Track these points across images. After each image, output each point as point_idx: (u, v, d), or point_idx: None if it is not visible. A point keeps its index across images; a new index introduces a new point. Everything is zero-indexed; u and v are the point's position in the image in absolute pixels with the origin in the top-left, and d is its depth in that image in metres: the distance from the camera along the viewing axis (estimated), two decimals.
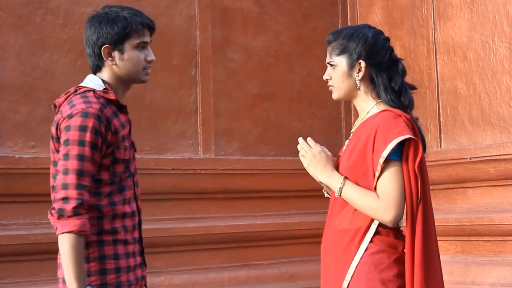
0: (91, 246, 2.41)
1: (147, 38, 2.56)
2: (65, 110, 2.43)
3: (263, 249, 4.94)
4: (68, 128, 2.37)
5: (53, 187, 2.49)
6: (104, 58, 2.52)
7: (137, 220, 2.56)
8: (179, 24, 4.69)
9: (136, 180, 2.58)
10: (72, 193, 2.33)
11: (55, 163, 2.47)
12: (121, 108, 2.54)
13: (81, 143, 2.35)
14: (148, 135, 4.54)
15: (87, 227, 2.34)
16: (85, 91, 2.47)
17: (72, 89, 2.52)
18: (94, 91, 2.47)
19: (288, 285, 4.95)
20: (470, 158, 4.56)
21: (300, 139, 2.65)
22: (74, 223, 2.32)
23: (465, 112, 4.71)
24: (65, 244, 2.32)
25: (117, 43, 2.50)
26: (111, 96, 2.48)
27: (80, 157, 2.35)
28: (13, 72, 4.12)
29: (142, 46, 2.54)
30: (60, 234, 2.33)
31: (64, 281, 2.43)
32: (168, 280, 4.51)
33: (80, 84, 2.53)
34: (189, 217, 4.67)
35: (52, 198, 2.42)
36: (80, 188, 2.33)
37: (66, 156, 2.36)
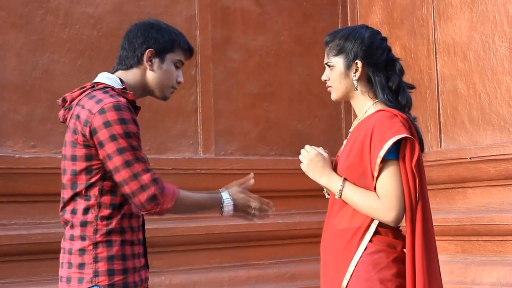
0: (100, 246, 2.41)
1: (185, 61, 2.65)
2: (91, 105, 2.41)
3: (263, 249, 4.95)
4: (108, 124, 2.37)
5: (64, 184, 2.48)
6: (145, 60, 2.55)
7: (141, 221, 2.56)
8: (179, 24, 4.69)
9: None
10: (146, 177, 2.37)
11: (74, 158, 2.45)
12: (135, 109, 2.55)
13: (127, 135, 2.38)
14: (148, 135, 4.54)
15: (176, 188, 2.45)
16: (104, 87, 2.48)
17: (88, 85, 2.52)
18: (112, 88, 2.48)
19: (288, 285, 4.95)
20: (470, 158, 4.57)
21: (302, 149, 2.65)
22: (170, 197, 2.41)
23: (465, 112, 4.72)
24: (182, 209, 2.50)
25: (162, 52, 2.57)
26: (129, 96, 2.50)
27: (133, 148, 2.38)
28: (13, 72, 4.13)
29: (179, 65, 2.62)
30: (168, 211, 2.42)
31: (68, 280, 2.43)
32: (168, 280, 4.51)
33: (95, 81, 2.53)
34: (189, 217, 4.66)
35: (126, 192, 2.42)
36: (148, 171, 2.39)
37: (120, 150, 2.37)
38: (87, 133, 2.40)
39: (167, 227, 4.51)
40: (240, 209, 2.58)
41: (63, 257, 2.47)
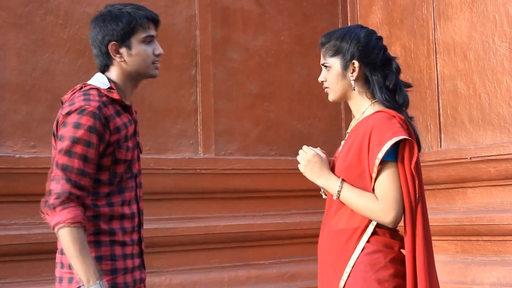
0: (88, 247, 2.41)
1: (153, 32, 2.54)
2: (65, 107, 2.44)
3: (263, 249, 4.94)
4: (64, 125, 2.38)
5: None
6: (112, 55, 2.50)
7: (137, 222, 2.54)
8: (179, 24, 4.70)
9: (139, 181, 2.57)
10: (58, 186, 2.32)
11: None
12: (125, 108, 2.54)
13: (72, 139, 2.35)
14: (148, 135, 4.54)
15: (79, 218, 2.30)
16: (89, 89, 2.47)
17: (78, 86, 2.52)
18: (98, 89, 2.47)
19: (288, 285, 4.95)
20: (470, 158, 4.56)
21: (300, 150, 2.65)
22: (62, 215, 2.30)
23: (465, 112, 4.71)
24: (61, 238, 2.32)
25: (124, 39, 2.49)
26: (115, 95, 2.48)
27: (68, 153, 2.35)
28: (13, 72, 4.13)
29: (149, 40, 2.53)
30: (54, 229, 2.32)
31: (60, 280, 2.43)
32: (168, 280, 4.51)
33: (87, 82, 2.54)
34: (189, 217, 4.67)
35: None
36: (68, 182, 2.32)
37: (60, 151, 2.37)
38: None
39: (167, 227, 4.51)
40: None
41: (57, 257, 2.49)
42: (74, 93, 2.50)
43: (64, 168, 2.33)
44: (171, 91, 4.66)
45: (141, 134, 4.42)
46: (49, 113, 4.16)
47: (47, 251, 3.95)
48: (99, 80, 2.52)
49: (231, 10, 4.98)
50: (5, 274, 3.98)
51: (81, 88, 2.50)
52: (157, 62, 2.56)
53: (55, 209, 2.31)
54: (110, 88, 2.49)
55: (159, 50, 2.56)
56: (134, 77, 2.56)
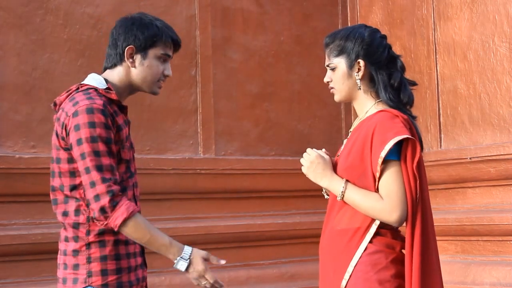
0: (93, 247, 2.41)
1: (170, 53, 2.60)
2: (68, 108, 2.43)
3: (263, 249, 4.95)
4: (77, 127, 2.37)
5: (53, 187, 2.49)
6: (126, 57, 2.53)
7: None
8: (179, 24, 4.69)
9: (135, 181, 2.58)
10: (101, 188, 2.34)
11: (58, 160, 2.46)
12: (122, 109, 2.55)
13: (93, 139, 2.36)
14: (148, 135, 4.54)
15: (133, 207, 2.36)
16: (87, 89, 2.48)
17: (73, 87, 2.52)
18: (96, 89, 2.48)
19: (288, 285, 4.95)
20: (470, 158, 4.57)
21: (304, 153, 2.65)
22: (121, 213, 2.34)
23: (465, 112, 4.72)
24: (131, 231, 2.37)
25: (142, 48, 2.54)
26: (113, 95, 2.49)
27: (96, 153, 2.36)
28: (13, 72, 4.13)
29: (164, 59, 2.58)
30: (119, 228, 2.36)
31: (64, 281, 2.44)
32: (168, 280, 4.51)
33: (82, 82, 2.54)
34: (189, 217, 4.67)
35: (86, 198, 2.41)
36: (105, 181, 2.34)
37: (83, 155, 2.36)
38: (65, 136, 2.42)
39: (167, 227, 4.50)
40: (192, 273, 2.46)
41: (60, 258, 2.49)
42: (70, 93, 2.50)
43: (98, 169, 2.35)
44: (171, 91, 4.66)
45: (141, 134, 4.45)
46: (49, 113, 4.16)
47: (47, 251, 3.96)
48: (95, 80, 2.53)
49: (231, 10, 4.98)
50: (5, 274, 3.98)
51: (78, 88, 2.50)
52: (162, 81, 2.61)
53: (109, 212, 2.34)
54: (108, 88, 2.50)
55: (169, 72, 2.61)
56: (134, 86, 2.59)
